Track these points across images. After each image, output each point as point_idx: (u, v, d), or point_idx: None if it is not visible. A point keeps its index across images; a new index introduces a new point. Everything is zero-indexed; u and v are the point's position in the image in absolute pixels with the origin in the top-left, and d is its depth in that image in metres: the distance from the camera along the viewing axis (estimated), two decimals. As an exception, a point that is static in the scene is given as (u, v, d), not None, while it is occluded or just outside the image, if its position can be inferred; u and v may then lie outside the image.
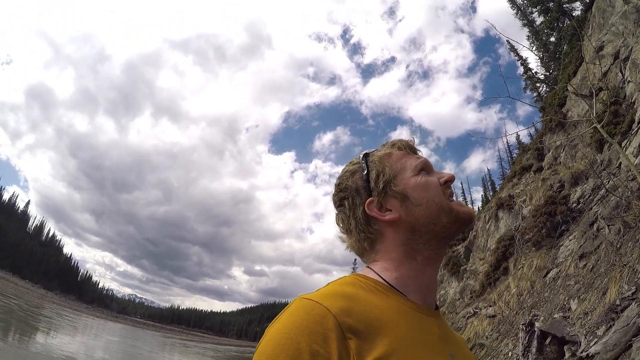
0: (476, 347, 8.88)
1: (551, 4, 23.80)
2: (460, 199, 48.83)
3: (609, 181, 8.82)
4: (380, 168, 0.92)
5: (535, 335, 5.69)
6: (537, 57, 25.78)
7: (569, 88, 15.24)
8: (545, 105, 20.39)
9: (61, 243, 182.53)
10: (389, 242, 0.89)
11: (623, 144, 9.43)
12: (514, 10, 27.32)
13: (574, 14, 22.45)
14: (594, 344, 4.41)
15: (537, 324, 6.03)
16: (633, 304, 4.45)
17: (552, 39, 24.87)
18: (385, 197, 0.90)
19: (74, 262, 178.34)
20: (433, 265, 0.90)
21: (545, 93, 25.11)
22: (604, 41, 13.95)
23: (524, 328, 6.00)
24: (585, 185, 10.87)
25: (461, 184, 57.30)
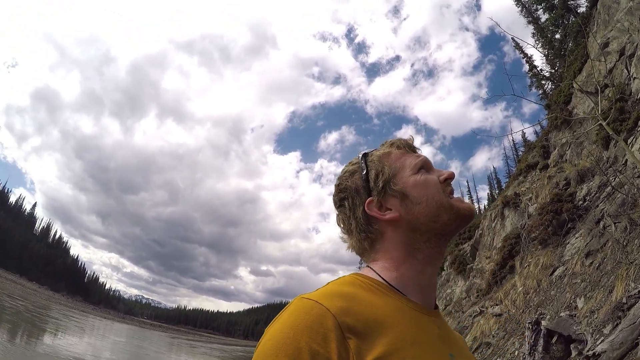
0: (483, 346, 8.86)
1: (556, 1, 23.65)
2: (466, 197, 48.86)
3: (615, 178, 8.78)
4: (380, 167, 0.92)
5: (542, 333, 5.67)
6: (542, 55, 25.63)
7: (574, 85, 15.13)
8: (551, 103, 20.30)
9: (68, 245, 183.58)
10: (389, 242, 0.89)
11: (629, 141, 9.37)
12: (518, 7, 27.16)
13: (579, 11, 22.31)
14: (600, 343, 4.38)
15: (543, 323, 6.00)
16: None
17: (557, 36, 24.71)
18: (385, 197, 0.90)
19: (81, 264, 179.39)
20: (433, 264, 0.89)
21: (550, 90, 24.97)
22: (609, 38, 13.86)
23: (530, 327, 5.97)
24: (592, 183, 10.82)
25: (467, 182, 57.18)
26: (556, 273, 8.70)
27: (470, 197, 50.90)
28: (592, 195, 10.14)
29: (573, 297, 6.66)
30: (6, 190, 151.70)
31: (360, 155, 0.96)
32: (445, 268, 21.71)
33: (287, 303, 0.77)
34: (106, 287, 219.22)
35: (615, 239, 6.73)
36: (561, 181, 12.82)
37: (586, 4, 20.89)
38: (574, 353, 5.06)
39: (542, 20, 25.80)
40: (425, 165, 0.93)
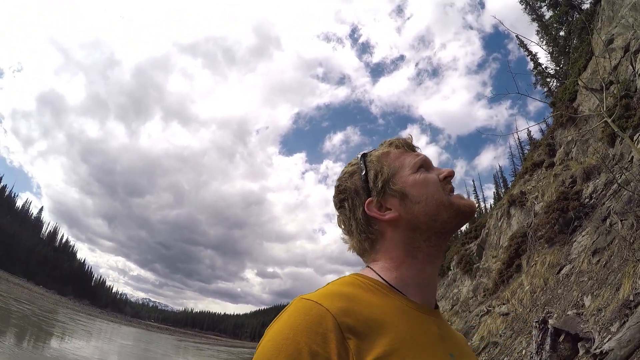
0: (490, 345, 8.83)
1: (560, -2, 23.59)
2: (472, 196, 48.65)
3: (621, 175, 8.73)
4: (379, 167, 0.91)
5: (549, 332, 5.65)
6: (547, 52, 25.55)
7: (579, 82, 15.07)
8: (556, 101, 20.19)
9: (74, 248, 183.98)
10: (389, 242, 0.88)
11: (635, 138, 9.31)
12: (522, 5, 27.13)
13: (583, 8, 22.25)
14: (607, 341, 4.36)
15: (550, 321, 5.98)
16: (647, 299, 4.40)
17: (562, 33, 24.67)
18: (384, 197, 0.89)
19: (88, 267, 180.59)
20: (433, 263, 0.88)
21: (555, 88, 24.89)
22: (613, 34, 13.80)
23: (538, 325, 5.95)
24: (598, 180, 10.77)
25: (473, 181, 57.08)
26: (563, 271, 8.67)
27: (477, 196, 50.73)
28: (599, 192, 10.09)
29: (580, 295, 6.63)
30: (13, 195, 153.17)
31: (359, 156, 0.96)
32: (451, 268, 21.67)
33: (291, 304, 0.77)
34: (113, 291, 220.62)
35: (622, 237, 6.70)
36: (567, 179, 12.78)
37: (590, 0, 20.82)
38: (581, 351, 5.03)
39: (546, 17, 25.79)
40: (424, 164, 0.93)
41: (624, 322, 4.44)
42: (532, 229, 12.33)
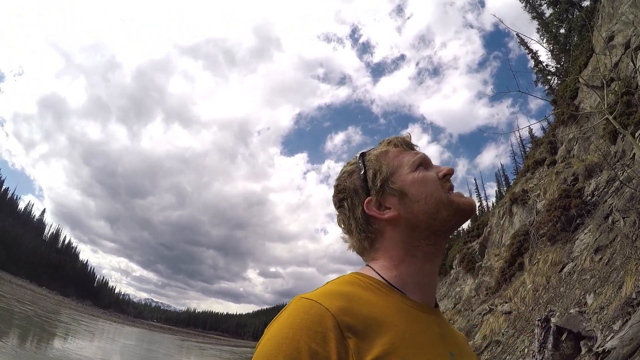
0: (492, 344, 8.83)
1: (560, -4, 23.56)
2: (474, 195, 48.61)
3: (623, 173, 8.72)
4: (377, 166, 0.91)
5: (551, 331, 5.64)
6: (547, 50, 25.51)
7: (580, 80, 15.05)
8: (557, 98, 20.17)
9: (77, 250, 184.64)
10: (389, 241, 0.88)
11: (636, 135, 9.29)
12: (522, 3, 27.07)
13: (583, 5, 22.19)
14: (610, 339, 4.35)
15: (553, 320, 5.97)
16: (650, 297, 4.39)
17: (562, 31, 24.60)
18: (383, 196, 0.89)
19: (90, 269, 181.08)
20: (433, 261, 0.88)
21: (556, 86, 24.83)
22: (614, 31, 13.77)
23: (540, 324, 5.94)
24: (600, 178, 10.75)
25: (475, 180, 57.11)
26: (565, 269, 8.66)
27: (479, 194, 50.63)
28: (601, 190, 10.08)
29: (582, 293, 6.62)
30: (15, 197, 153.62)
31: (358, 155, 0.96)
32: (454, 266, 21.68)
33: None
34: (115, 291, 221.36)
35: (624, 234, 6.69)
36: (569, 177, 12.76)
37: (590, -3, 20.78)
38: (583, 350, 5.03)
39: (547, 15, 25.72)
40: (423, 162, 0.92)
41: (627, 320, 4.43)
42: (534, 227, 12.31)
